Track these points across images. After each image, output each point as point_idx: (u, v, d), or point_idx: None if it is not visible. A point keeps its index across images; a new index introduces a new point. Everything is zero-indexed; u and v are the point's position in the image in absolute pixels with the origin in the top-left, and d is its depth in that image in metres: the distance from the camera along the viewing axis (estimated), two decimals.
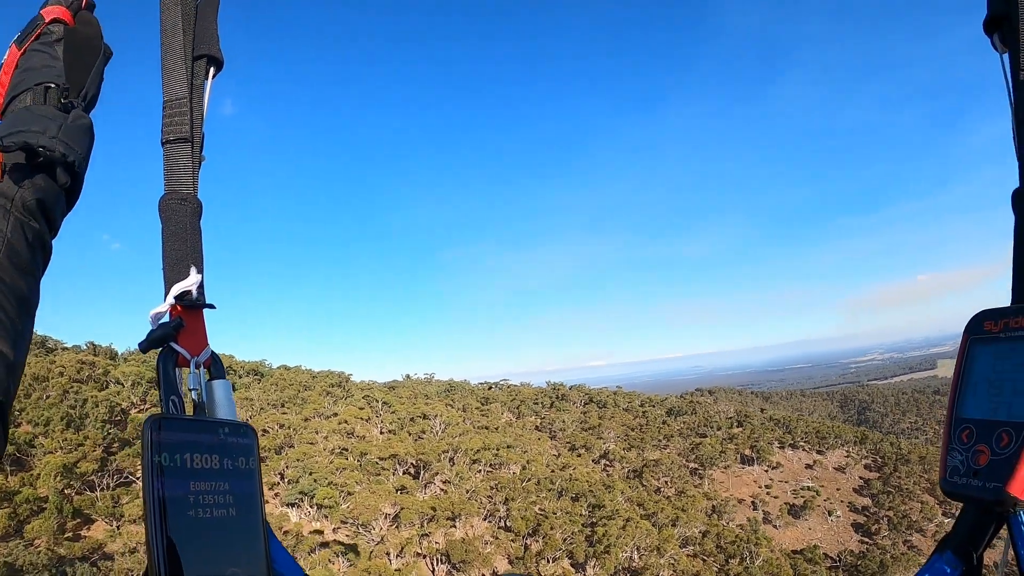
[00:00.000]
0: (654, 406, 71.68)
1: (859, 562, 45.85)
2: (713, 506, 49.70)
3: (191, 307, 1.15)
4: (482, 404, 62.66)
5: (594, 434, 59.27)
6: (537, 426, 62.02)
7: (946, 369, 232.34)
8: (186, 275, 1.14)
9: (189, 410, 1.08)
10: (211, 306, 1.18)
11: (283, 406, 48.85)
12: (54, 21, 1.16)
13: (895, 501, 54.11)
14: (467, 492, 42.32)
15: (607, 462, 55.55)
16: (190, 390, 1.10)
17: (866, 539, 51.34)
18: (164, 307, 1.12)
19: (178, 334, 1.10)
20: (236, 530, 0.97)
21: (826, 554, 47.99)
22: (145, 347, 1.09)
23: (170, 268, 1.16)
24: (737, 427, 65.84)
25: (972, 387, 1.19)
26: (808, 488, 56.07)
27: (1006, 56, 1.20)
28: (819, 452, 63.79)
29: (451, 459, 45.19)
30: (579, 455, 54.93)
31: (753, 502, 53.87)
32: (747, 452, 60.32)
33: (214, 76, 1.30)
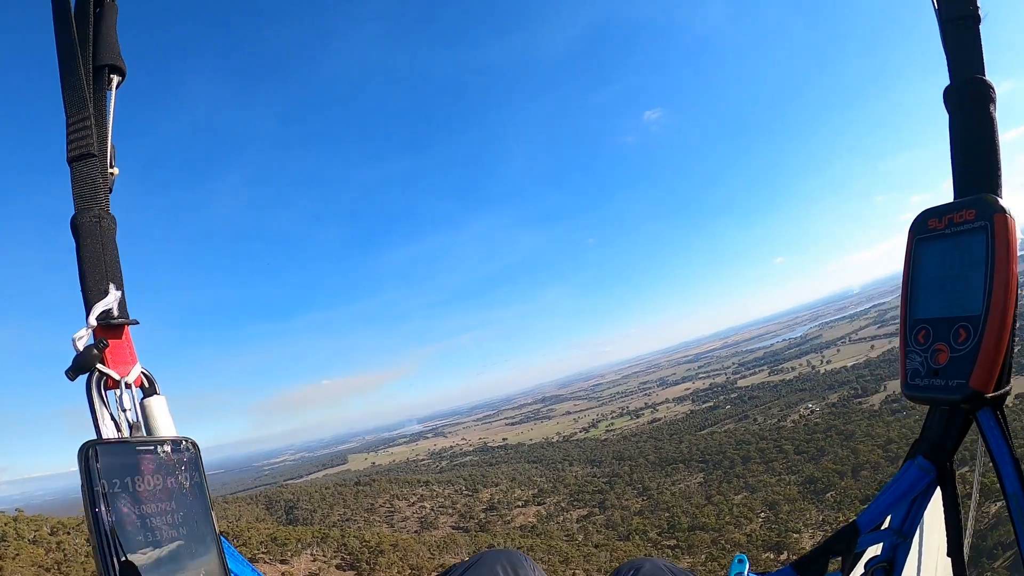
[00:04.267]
0: (69, 532, 47.91)
1: None
2: None
3: (114, 326, 1.10)
4: None
5: None
6: None
7: (357, 463, 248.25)
8: (106, 294, 1.10)
9: (125, 432, 1.04)
10: (134, 322, 1.13)
11: None
12: None
13: None
14: None
15: None
16: (123, 411, 1.05)
17: None
18: (86, 330, 1.06)
19: (104, 355, 1.05)
20: (190, 549, 0.94)
21: None
22: (72, 374, 1.03)
23: (89, 288, 1.10)
24: None
25: (923, 287, 1.18)
26: None
27: None
28: (283, 562, 52.60)
29: None
30: None
31: None
32: None
33: (118, 86, 1.24)
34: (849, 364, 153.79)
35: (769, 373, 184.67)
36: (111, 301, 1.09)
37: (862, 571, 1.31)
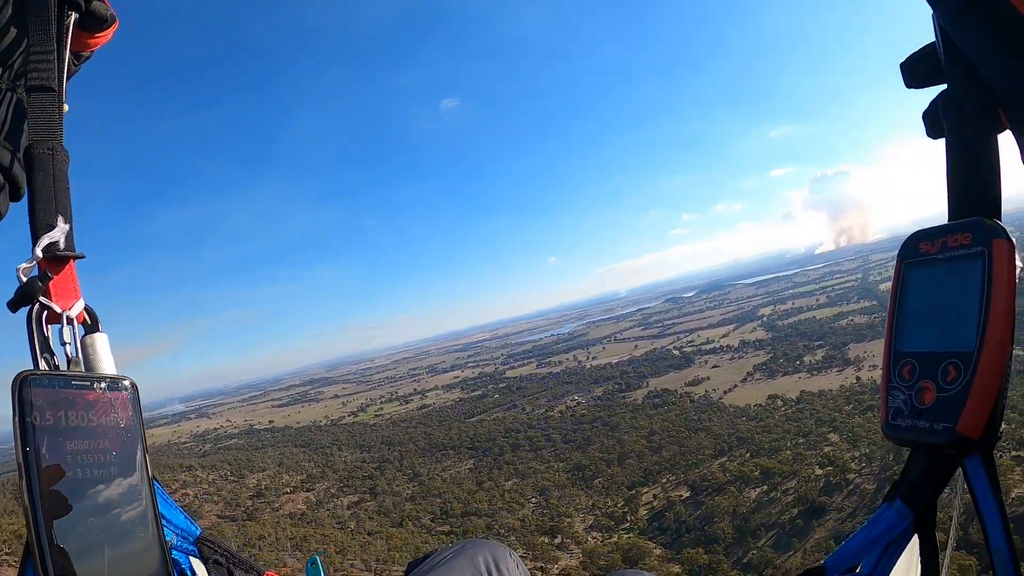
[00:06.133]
0: None
1: None
2: None
3: (60, 259, 1.08)
4: None
5: None
6: None
7: None
8: (54, 227, 1.08)
9: (63, 367, 1.01)
10: (80, 256, 1.11)
11: None
12: None
13: None
14: None
15: None
16: (63, 345, 1.02)
17: None
18: (31, 262, 1.04)
19: (48, 288, 1.03)
20: (121, 489, 0.91)
21: None
22: (14, 305, 1.00)
23: (38, 220, 1.08)
24: None
25: (911, 317, 1.06)
26: None
27: None
28: None
29: None
30: None
31: None
32: None
33: (75, 21, 1.24)
34: (614, 361, 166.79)
35: (537, 365, 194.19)
36: (58, 234, 1.06)
37: None
